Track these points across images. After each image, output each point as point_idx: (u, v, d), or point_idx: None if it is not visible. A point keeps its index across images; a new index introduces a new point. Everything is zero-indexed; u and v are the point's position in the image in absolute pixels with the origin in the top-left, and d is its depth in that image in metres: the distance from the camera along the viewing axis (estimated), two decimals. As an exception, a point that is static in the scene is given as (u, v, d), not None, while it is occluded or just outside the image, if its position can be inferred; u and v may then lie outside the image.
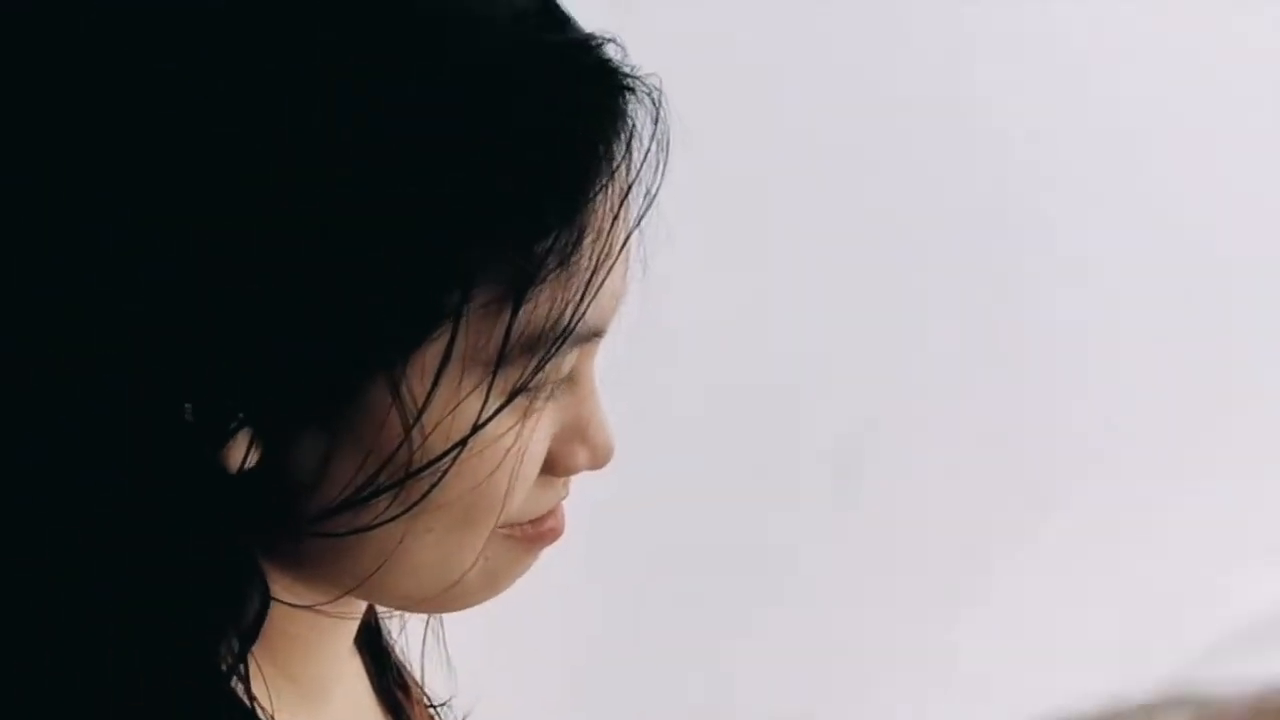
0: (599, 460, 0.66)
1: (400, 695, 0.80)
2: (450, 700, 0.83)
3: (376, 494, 0.58)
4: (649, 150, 0.60)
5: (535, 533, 0.66)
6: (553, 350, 0.59)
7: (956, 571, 1.39)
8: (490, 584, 0.66)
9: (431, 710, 0.83)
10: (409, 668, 0.82)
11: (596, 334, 0.62)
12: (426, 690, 0.82)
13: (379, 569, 0.61)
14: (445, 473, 0.59)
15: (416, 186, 0.56)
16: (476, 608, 0.68)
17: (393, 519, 0.59)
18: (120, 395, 0.56)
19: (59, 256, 0.55)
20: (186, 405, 0.56)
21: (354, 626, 0.71)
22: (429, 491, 0.59)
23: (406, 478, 0.58)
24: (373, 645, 0.79)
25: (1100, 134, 1.34)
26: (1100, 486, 1.40)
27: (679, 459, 1.23)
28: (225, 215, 0.55)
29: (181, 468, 0.57)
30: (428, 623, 0.79)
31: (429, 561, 0.62)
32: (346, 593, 0.64)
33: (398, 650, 0.81)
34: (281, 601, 0.62)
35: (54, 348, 0.55)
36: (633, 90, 0.60)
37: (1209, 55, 1.33)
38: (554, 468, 0.64)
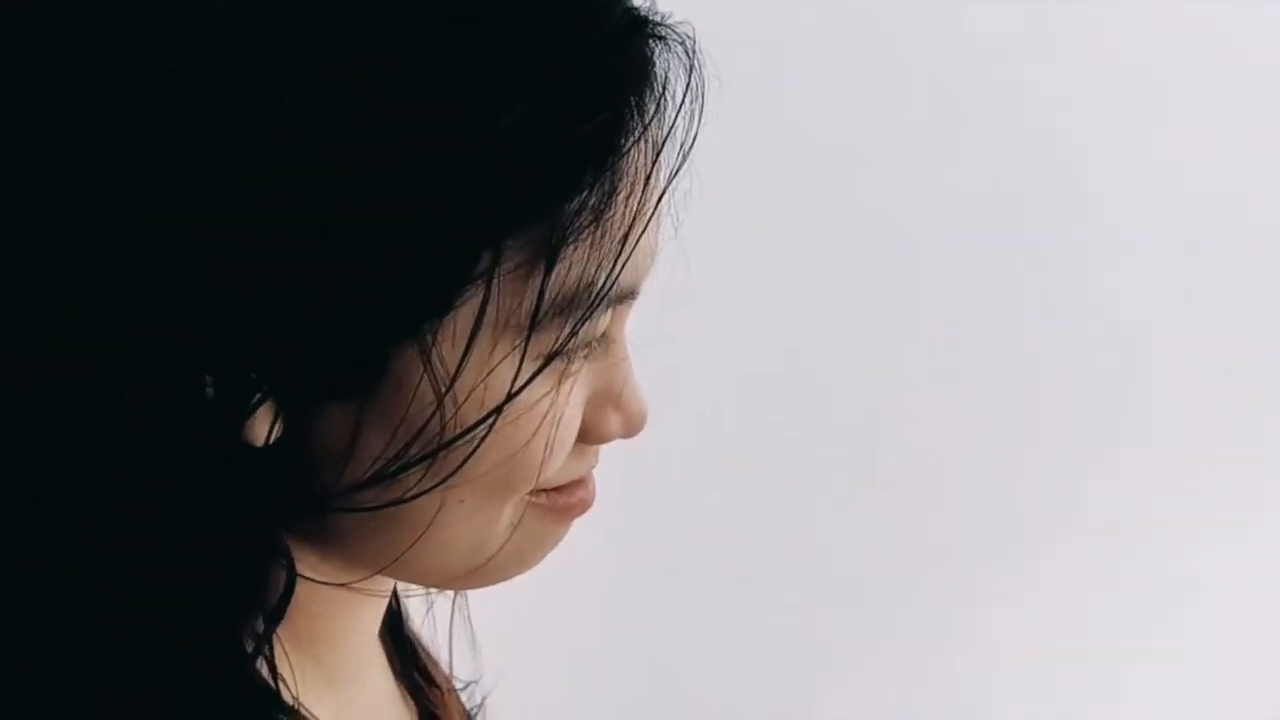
0: (633, 427, 0.64)
1: (420, 680, 0.78)
2: (476, 681, 0.81)
3: (408, 466, 0.56)
4: (682, 102, 0.58)
5: (566, 503, 0.64)
6: (589, 311, 0.57)
7: (972, 569, 1.39)
8: (521, 558, 0.64)
9: (452, 692, 0.81)
10: (432, 650, 0.80)
11: (630, 294, 0.60)
12: (452, 672, 0.80)
13: (413, 545, 0.59)
14: (481, 442, 0.57)
15: (444, 144, 0.53)
16: (499, 586, 0.66)
17: (426, 491, 0.57)
18: (140, 371, 0.54)
19: (75, 230, 0.53)
20: (207, 379, 0.54)
21: (381, 607, 0.69)
22: (464, 462, 0.57)
23: (440, 448, 0.56)
24: (395, 630, 0.77)
25: (1111, 125, 1.32)
26: (1120, 486, 1.40)
27: (697, 442, 1.21)
28: (246, 177, 0.53)
29: (203, 443, 0.55)
30: (454, 603, 0.77)
31: (462, 535, 0.60)
32: (379, 570, 0.61)
33: (421, 632, 0.80)
34: (310, 579, 0.60)
35: (73, 324, 0.53)
36: (664, 40, 0.58)
37: (1213, 50, 1.33)
38: (586, 435, 0.63)
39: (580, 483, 0.65)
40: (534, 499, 0.62)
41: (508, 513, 0.61)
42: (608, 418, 0.63)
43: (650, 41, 0.58)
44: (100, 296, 0.53)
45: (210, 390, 0.54)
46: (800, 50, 1.21)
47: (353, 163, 0.52)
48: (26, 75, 0.53)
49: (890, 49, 1.25)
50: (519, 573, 0.65)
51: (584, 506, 0.65)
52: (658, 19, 0.59)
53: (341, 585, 0.61)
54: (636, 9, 0.59)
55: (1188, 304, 1.37)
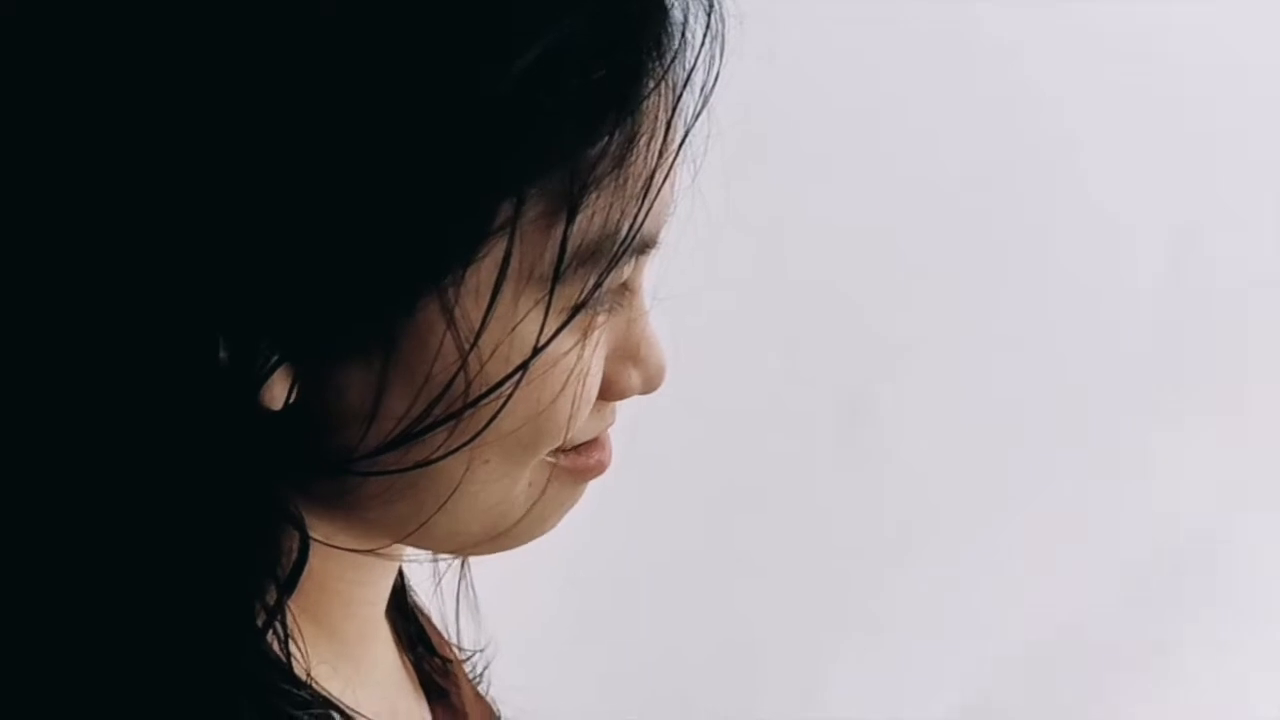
0: (652, 382, 0.63)
1: (424, 650, 0.77)
2: (482, 650, 0.80)
3: (434, 426, 0.55)
4: (702, 46, 0.56)
5: (585, 464, 0.63)
6: (615, 260, 0.55)
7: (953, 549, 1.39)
8: (540, 521, 0.63)
9: (459, 661, 0.80)
10: (435, 620, 0.78)
11: (651, 244, 0.58)
12: (459, 641, 0.79)
13: (440, 508, 0.57)
14: (509, 399, 0.55)
15: (459, 89, 0.52)
16: (496, 557, 0.64)
17: (453, 451, 0.56)
18: (150, 334, 0.52)
19: (81, 197, 0.52)
20: (220, 342, 0.52)
21: (392, 578, 0.68)
22: (491, 420, 0.55)
23: (466, 407, 0.55)
24: (399, 601, 0.75)
25: (1109, 104, 1.32)
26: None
27: (692, 419, 1.20)
28: (255, 134, 0.51)
29: (218, 407, 0.53)
30: (461, 572, 0.75)
31: (486, 497, 0.59)
32: (401, 538, 0.60)
33: (424, 603, 0.78)
34: (326, 544, 0.58)
35: (79, 289, 0.52)
36: None
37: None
38: (606, 391, 0.61)
39: (598, 443, 0.63)
40: (553, 460, 0.61)
41: (528, 474, 0.60)
42: (627, 373, 0.62)
43: None
44: (106, 259, 0.51)
45: (224, 354, 0.52)
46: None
47: (366, 114, 0.51)
48: (26, 56, 0.52)
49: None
50: (535, 537, 0.64)
51: (601, 468, 0.64)
52: None
53: (361, 551, 0.60)
54: None
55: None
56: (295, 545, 0.57)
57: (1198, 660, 1.48)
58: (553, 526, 0.64)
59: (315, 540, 0.57)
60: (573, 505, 0.64)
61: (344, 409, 0.55)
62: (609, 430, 0.64)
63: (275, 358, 0.53)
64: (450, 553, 0.67)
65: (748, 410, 1.28)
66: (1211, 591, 1.48)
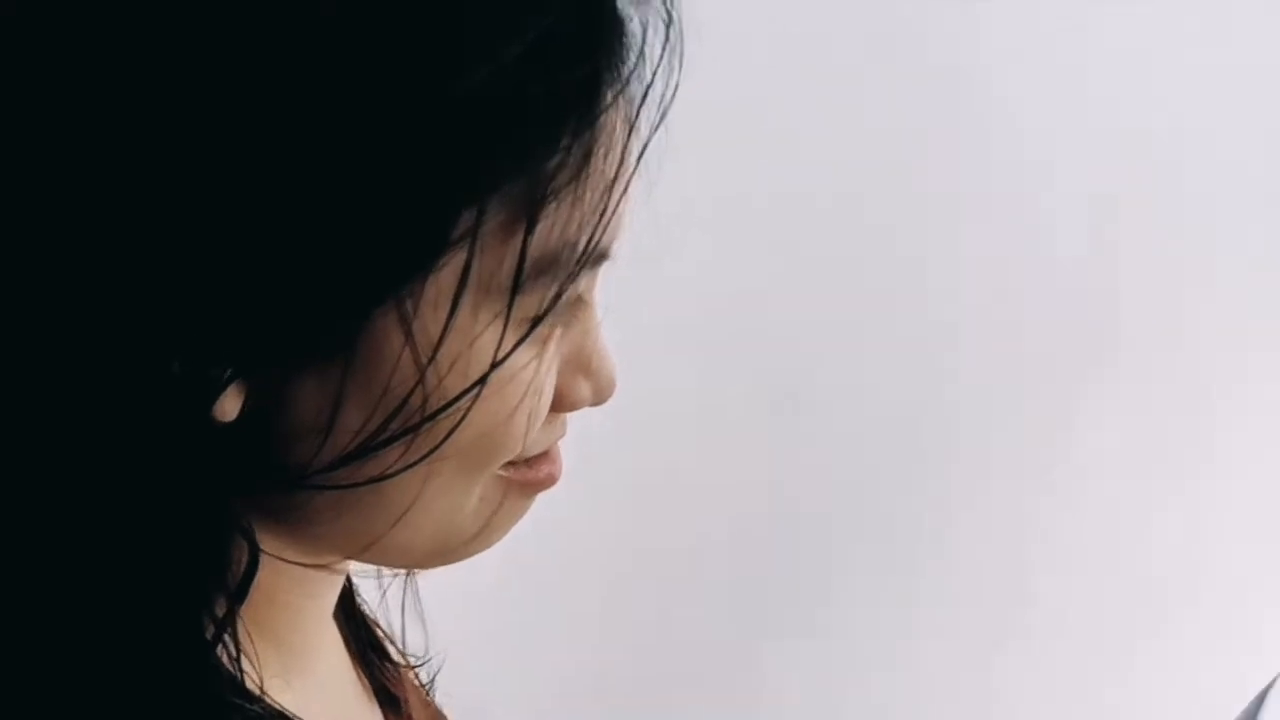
0: (603, 393, 0.63)
1: (375, 657, 0.76)
2: (429, 659, 0.79)
3: (390, 441, 0.54)
4: (661, 57, 0.56)
5: (535, 477, 0.63)
6: (575, 271, 0.55)
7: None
8: (488, 535, 0.63)
9: (409, 669, 0.79)
10: (384, 628, 0.78)
11: (605, 255, 0.58)
12: (405, 650, 0.78)
13: (392, 524, 0.57)
14: (466, 414, 0.54)
15: (422, 98, 0.51)
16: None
17: (410, 466, 0.55)
18: (96, 344, 0.51)
19: (22, 214, 0.50)
20: (172, 356, 0.51)
21: (339, 587, 0.67)
22: (449, 435, 0.55)
23: (424, 421, 0.54)
24: (346, 607, 0.75)
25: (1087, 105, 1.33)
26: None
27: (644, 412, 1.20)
28: (203, 146, 0.50)
29: (167, 419, 0.52)
30: (406, 581, 0.75)
31: (436, 512, 0.59)
32: (353, 553, 0.59)
33: (370, 610, 0.77)
34: (276, 558, 0.57)
35: (22, 302, 0.51)
36: None
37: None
38: (558, 404, 0.61)
39: (548, 456, 0.63)
40: (504, 473, 0.61)
41: (479, 488, 0.60)
42: (579, 384, 0.62)
43: None
44: (56, 274, 0.50)
45: (176, 367, 0.51)
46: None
47: (327, 124, 0.50)
48: None
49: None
50: (481, 550, 0.64)
51: (552, 480, 0.64)
52: None
53: (311, 566, 0.59)
54: None
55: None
56: (244, 557, 0.56)
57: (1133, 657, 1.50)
58: (499, 539, 0.63)
59: (264, 553, 0.57)
60: (520, 517, 0.64)
61: (299, 422, 0.54)
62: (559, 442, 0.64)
63: (229, 372, 0.52)
64: (400, 566, 0.67)
65: (683, 405, 1.27)
66: (1132, 570, 1.49)
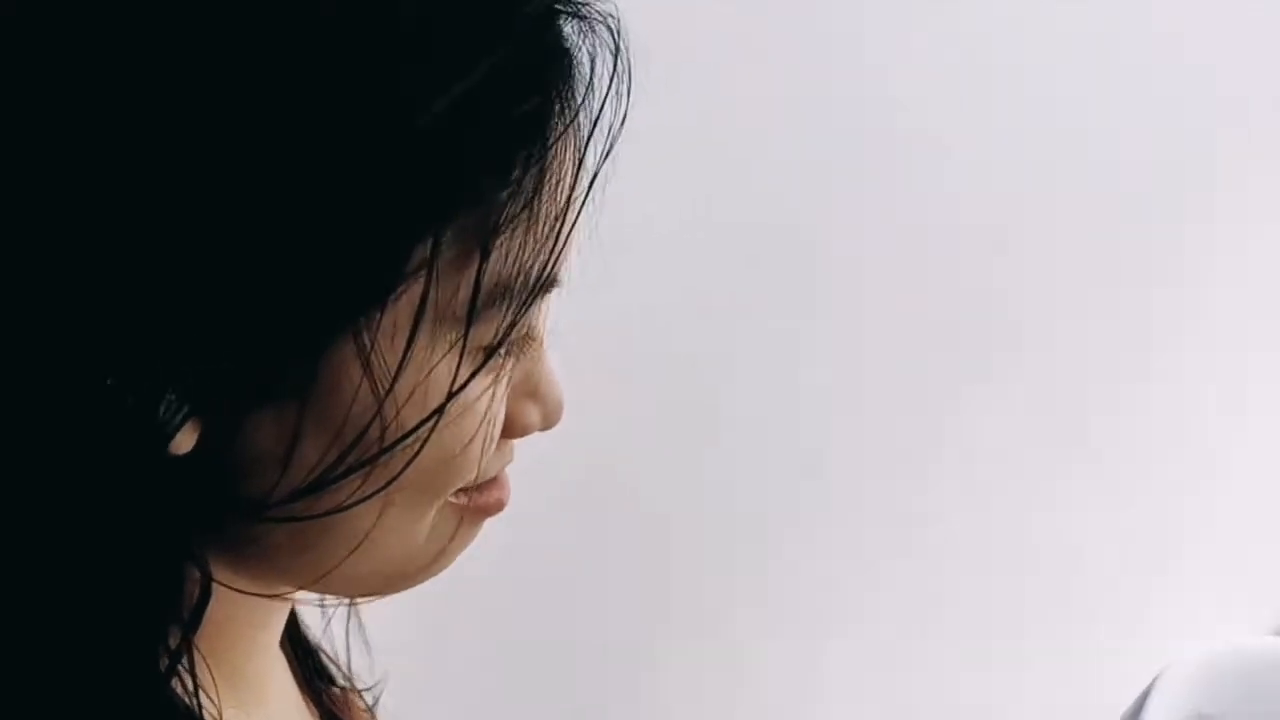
0: (551, 418, 0.63)
1: (321, 684, 0.76)
2: (377, 684, 0.79)
3: (349, 472, 0.54)
4: (609, 87, 0.57)
5: (485, 503, 0.63)
6: (529, 299, 0.56)
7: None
8: (437, 562, 0.63)
9: (355, 693, 0.79)
10: (330, 655, 0.78)
11: (555, 283, 0.59)
12: (351, 673, 0.78)
13: (347, 555, 0.57)
14: (425, 443, 0.55)
15: (377, 131, 0.52)
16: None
17: (368, 498, 0.55)
18: (47, 380, 0.51)
19: None
20: (124, 389, 0.51)
21: (286, 615, 0.66)
22: (408, 464, 0.55)
23: (382, 452, 0.55)
24: (293, 635, 0.75)
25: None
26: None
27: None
28: (158, 176, 0.50)
29: (120, 453, 0.52)
30: (349, 608, 0.75)
31: (389, 541, 0.59)
32: (306, 584, 0.59)
33: (316, 637, 0.77)
34: (229, 588, 0.57)
35: None
36: (588, 20, 0.57)
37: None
38: (508, 430, 0.62)
39: (497, 482, 0.63)
40: (455, 500, 0.61)
41: (431, 516, 0.60)
42: (528, 410, 0.62)
43: (575, 23, 0.57)
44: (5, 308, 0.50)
45: (130, 401, 0.51)
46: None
47: (281, 156, 0.51)
48: None
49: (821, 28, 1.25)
50: (429, 578, 0.64)
51: (500, 506, 0.64)
52: (581, 1, 0.58)
53: (264, 596, 0.59)
54: None
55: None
56: (196, 588, 0.56)
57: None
58: (448, 565, 0.64)
59: (217, 583, 0.56)
60: (469, 543, 0.64)
61: (256, 455, 0.54)
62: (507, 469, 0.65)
63: (185, 409, 0.52)
64: (351, 596, 0.67)
65: (601, 416, 1.27)
66: (1011, 568, 1.51)
